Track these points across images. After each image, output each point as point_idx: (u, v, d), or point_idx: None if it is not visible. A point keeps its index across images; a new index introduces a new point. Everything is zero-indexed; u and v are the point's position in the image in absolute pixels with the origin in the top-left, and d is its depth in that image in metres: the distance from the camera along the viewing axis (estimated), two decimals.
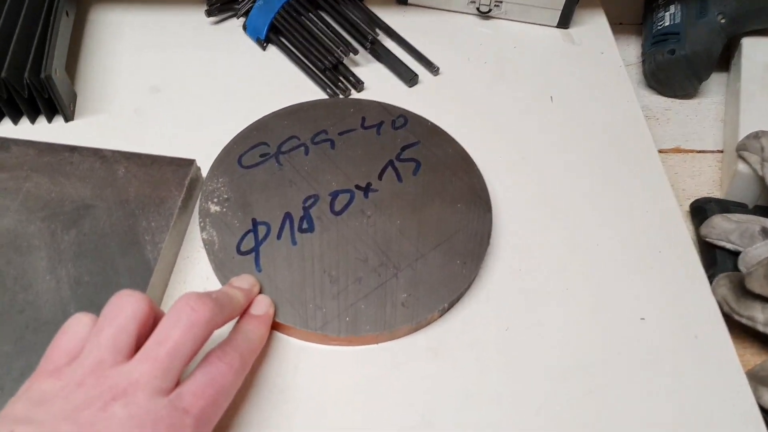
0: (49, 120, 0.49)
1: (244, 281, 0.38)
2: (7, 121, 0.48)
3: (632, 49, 0.64)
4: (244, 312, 0.37)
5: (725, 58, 0.60)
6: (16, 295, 0.37)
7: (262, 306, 0.37)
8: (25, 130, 0.48)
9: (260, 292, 0.39)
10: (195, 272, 0.42)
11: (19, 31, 0.47)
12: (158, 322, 0.31)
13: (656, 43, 0.60)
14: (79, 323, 0.31)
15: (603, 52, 0.58)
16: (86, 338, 0.30)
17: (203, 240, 0.41)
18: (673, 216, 0.47)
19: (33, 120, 0.48)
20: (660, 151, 0.51)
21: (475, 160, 0.46)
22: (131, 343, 0.30)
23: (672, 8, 0.61)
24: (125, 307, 0.30)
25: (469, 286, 0.41)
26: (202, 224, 0.42)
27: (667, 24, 0.60)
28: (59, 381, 0.28)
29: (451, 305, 0.41)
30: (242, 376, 0.33)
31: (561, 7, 0.58)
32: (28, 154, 0.43)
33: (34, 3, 0.49)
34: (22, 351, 0.35)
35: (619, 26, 0.64)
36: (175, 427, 0.28)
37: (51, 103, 0.47)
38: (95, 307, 0.36)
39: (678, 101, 0.60)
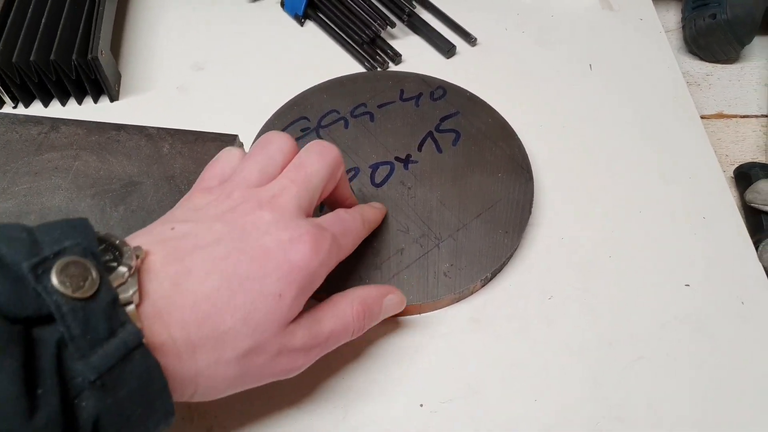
0: (96, 100, 0.48)
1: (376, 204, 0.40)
2: (55, 102, 0.48)
3: (672, 14, 0.61)
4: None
5: (767, 22, 0.57)
6: None
7: (378, 204, 0.39)
8: (73, 110, 0.48)
9: None
10: None
11: (66, 14, 0.46)
12: None
13: (697, 8, 0.57)
14: (229, 154, 0.32)
15: (642, 18, 0.55)
16: (234, 165, 0.31)
17: None
18: (718, 182, 0.44)
19: (80, 101, 0.48)
20: (702, 117, 0.49)
21: (515, 129, 0.44)
22: (276, 171, 0.31)
23: None
24: (274, 141, 0.32)
25: (511, 256, 0.40)
26: None
27: None
28: (211, 195, 0.29)
29: (494, 275, 0.39)
30: (363, 233, 0.35)
31: None
32: (77, 134, 0.43)
33: None
34: None
35: None
36: (315, 234, 0.28)
37: (97, 83, 0.47)
38: None
39: (720, 66, 0.57)
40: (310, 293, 0.29)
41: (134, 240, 0.26)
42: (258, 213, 0.28)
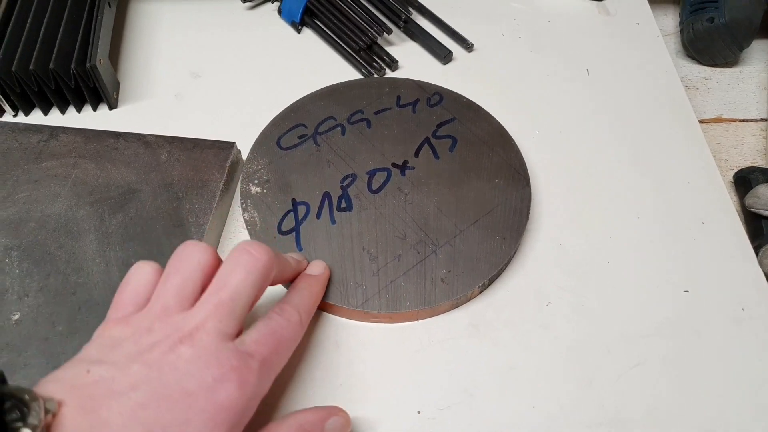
0: (94, 108, 0.48)
1: (295, 255, 0.37)
2: (55, 111, 0.48)
3: (669, 18, 0.61)
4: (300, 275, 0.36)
5: (766, 25, 0.57)
6: (68, 277, 0.37)
7: (318, 267, 0.37)
8: (72, 118, 0.48)
9: None
10: None
11: (65, 23, 0.46)
12: None
13: (694, 12, 0.57)
14: (141, 272, 0.30)
15: (639, 23, 0.55)
16: (150, 286, 0.30)
17: (245, 221, 0.40)
18: (716, 186, 0.44)
19: (79, 109, 0.48)
20: (701, 121, 0.49)
21: (512, 135, 0.44)
22: (197, 291, 0.29)
23: None
24: (191, 256, 0.30)
25: (509, 262, 0.40)
26: (243, 205, 0.41)
27: None
28: (128, 327, 0.28)
29: (492, 281, 0.39)
30: (301, 332, 0.32)
31: None
32: (76, 142, 0.43)
33: None
34: (76, 331, 0.35)
35: None
36: (240, 369, 0.27)
37: (96, 91, 0.47)
38: None
39: (718, 70, 0.56)
40: (240, 429, 0.27)
41: (48, 386, 0.25)
42: (178, 350, 0.26)
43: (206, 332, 0.27)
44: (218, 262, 0.31)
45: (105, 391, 0.25)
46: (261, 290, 0.30)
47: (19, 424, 0.22)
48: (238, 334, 0.29)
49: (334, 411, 0.31)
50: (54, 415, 0.23)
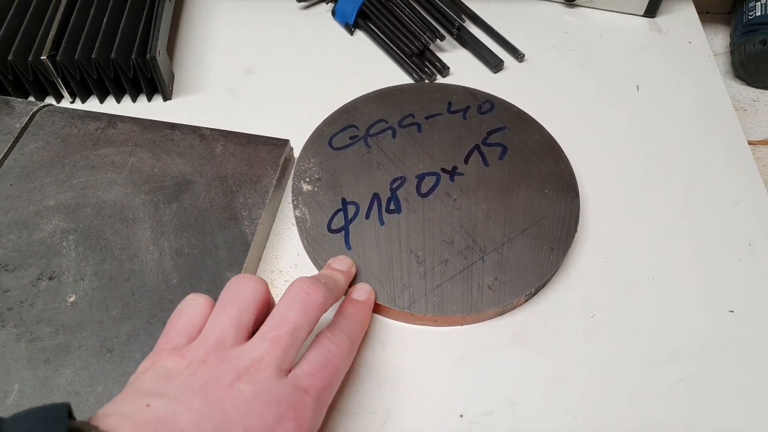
0: (149, 98, 0.49)
1: (342, 263, 0.37)
2: (110, 99, 0.49)
3: (719, 39, 0.60)
4: (347, 296, 0.36)
5: None
6: (122, 263, 0.38)
7: (364, 292, 0.36)
8: (127, 107, 0.49)
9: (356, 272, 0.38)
10: (286, 248, 0.41)
11: (127, 14, 0.47)
12: (272, 307, 0.31)
13: (746, 33, 0.56)
14: (194, 304, 0.31)
15: (691, 41, 0.55)
16: (203, 319, 0.30)
17: (296, 217, 0.41)
18: (764, 208, 0.44)
19: (134, 98, 0.49)
20: (749, 143, 0.48)
21: (561, 147, 0.44)
22: (251, 324, 0.29)
23: None
24: (246, 289, 0.30)
25: (555, 272, 0.40)
26: (294, 202, 0.41)
27: (758, 14, 0.56)
28: (183, 359, 0.28)
29: (538, 290, 0.39)
30: (351, 357, 0.33)
31: None
32: (133, 131, 0.44)
33: None
34: (128, 316, 0.36)
35: (706, 15, 0.60)
36: (297, 406, 0.27)
37: (153, 82, 0.48)
38: (195, 278, 0.37)
39: (767, 92, 0.56)
40: None
41: (109, 421, 0.24)
42: (238, 387, 0.27)
43: (264, 369, 0.27)
44: (270, 296, 0.31)
45: (168, 428, 0.24)
46: (314, 325, 0.31)
47: None
48: (293, 365, 0.29)
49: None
50: None
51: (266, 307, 0.31)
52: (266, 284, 0.31)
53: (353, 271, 0.37)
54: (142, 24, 0.47)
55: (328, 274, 0.35)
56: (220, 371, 0.27)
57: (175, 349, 0.28)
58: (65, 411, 0.23)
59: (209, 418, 0.25)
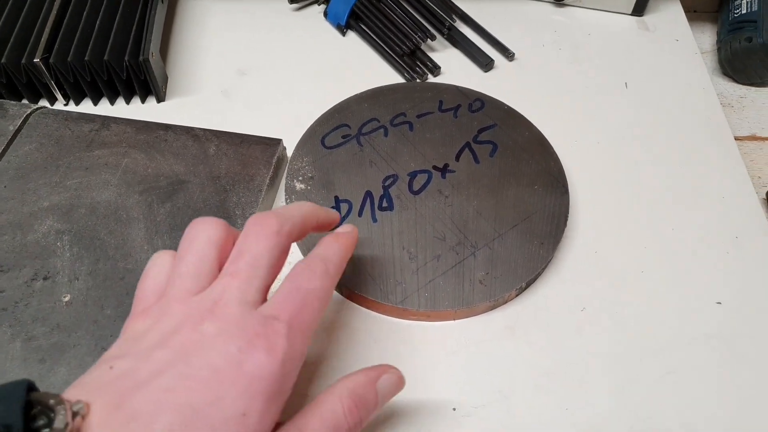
0: (143, 100, 0.49)
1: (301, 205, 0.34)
2: (104, 101, 0.49)
3: (707, 36, 0.61)
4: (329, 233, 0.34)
5: None
6: (117, 263, 0.38)
7: (345, 228, 0.35)
8: (121, 109, 0.49)
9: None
10: None
11: (120, 17, 0.48)
12: None
13: (732, 31, 0.57)
14: (159, 261, 0.29)
15: (678, 39, 0.55)
16: (168, 274, 0.28)
17: None
18: (751, 202, 0.44)
19: (128, 100, 0.49)
20: (735, 138, 0.49)
21: (551, 143, 0.44)
22: (213, 268, 0.28)
23: None
24: (200, 233, 0.29)
25: (545, 267, 0.40)
26: (288, 201, 0.41)
27: (744, 12, 0.57)
28: (149, 318, 0.27)
29: (528, 284, 0.40)
30: (330, 284, 0.30)
31: None
32: (127, 132, 0.44)
33: None
34: (123, 315, 0.35)
35: (693, 14, 0.61)
36: (267, 335, 0.25)
37: (146, 84, 0.48)
38: None
39: (753, 89, 0.56)
40: (283, 398, 0.26)
41: (74, 390, 0.24)
42: (200, 328, 0.25)
43: (226, 304, 0.26)
44: (231, 235, 0.29)
45: (130, 384, 0.24)
46: (281, 255, 0.29)
47: (46, 430, 0.21)
48: (264, 299, 0.28)
49: (385, 369, 0.29)
50: (83, 417, 0.22)
51: (230, 246, 0.29)
52: (224, 223, 0.29)
53: (334, 215, 0.35)
54: (134, 26, 0.47)
55: (282, 210, 0.31)
56: (182, 319, 0.26)
57: (143, 311, 0.27)
58: (24, 385, 0.22)
59: (170, 365, 0.24)
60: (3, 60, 0.45)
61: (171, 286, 0.28)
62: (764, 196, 0.49)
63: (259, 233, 0.28)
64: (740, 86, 0.57)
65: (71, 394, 0.23)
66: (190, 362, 0.24)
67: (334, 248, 0.32)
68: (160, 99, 0.49)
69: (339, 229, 0.34)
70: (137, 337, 0.26)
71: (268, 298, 0.28)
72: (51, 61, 0.45)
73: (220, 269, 0.28)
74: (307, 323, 0.27)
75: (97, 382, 0.24)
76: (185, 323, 0.26)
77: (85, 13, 0.48)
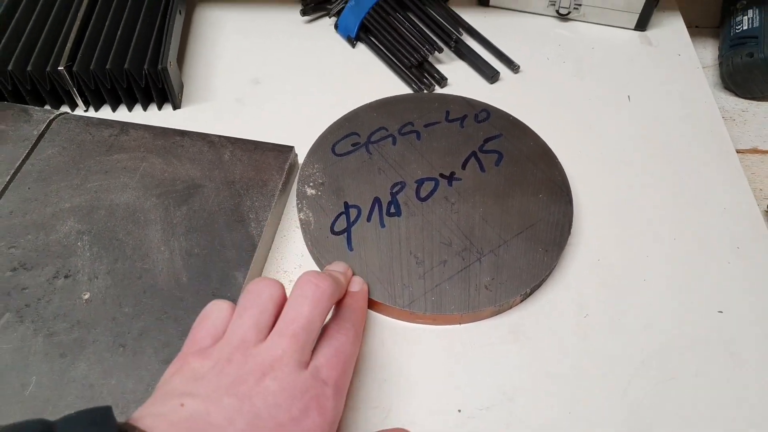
0: (159, 107, 0.51)
1: (339, 266, 0.39)
2: (122, 108, 0.51)
3: (708, 51, 0.62)
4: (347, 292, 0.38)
5: None
6: (134, 263, 0.39)
7: (357, 283, 0.38)
8: (138, 115, 0.50)
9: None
10: (290, 249, 0.43)
11: (140, 27, 0.49)
12: None
13: (734, 46, 0.58)
14: (217, 308, 0.32)
15: (680, 54, 0.56)
16: (226, 322, 0.31)
17: (300, 220, 0.42)
18: (752, 214, 0.45)
19: (145, 107, 0.51)
20: (737, 152, 0.50)
21: (555, 154, 0.46)
22: (270, 323, 0.31)
23: (750, 12, 0.59)
24: (263, 291, 0.32)
25: (550, 273, 0.41)
26: (299, 205, 0.43)
27: (745, 28, 0.58)
28: (209, 360, 0.29)
29: (533, 290, 0.40)
30: (358, 345, 0.34)
31: (639, 10, 0.56)
32: (144, 138, 0.45)
33: (152, 3, 0.51)
34: (140, 313, 0.37)
35: (695, 29, 0.62)
36: (319, 397, 0.29)
37: (163, 92, 0.49)
38: (204, 277, 0.38)
39: (755, 103, 0.57)
40: None
41: (147, 421, 0.26)
42: (264, 383, 0.28)
43: (286, 364, 0.29)
44: (286, 295, 0.33)
45: (203, 425, 0.26)
46: (326, 316, 0.32)
47: None
48: (311, 357, 0.31)
49: None
50: None
51: (283, 304, 0.32)
52: (282, 285, 0.32)
53: (350, 272, 0.39)
54: (154, 35, 0.49)
55: (330, 271, 0.37)
56: (245, 369, 0.28)
57: (201, 351, 0.30)
58: (111, 413, 0.24)
59: (241, 415, 0.27)
60: (29, 68, 0.46)
61: (232, 333, 0.30)
62: (765, 209, 0.50)
63: (315, 296, 0.32)
64: (742, 100, 0.58)
65: (144, 424, 0.25)
66: (258, 414, 0.27)
67: (359, 312, 0.36)
68: (176, 106, 0.51)
69: (353, 286, 0.38)
70: (196, 376, 0.28)
71: None
72: (74, 69, 0.46)
73: (274, 324, 0.31)
74: (345, 386, 0.32)
75: (169, 418, 0.26)
76: (249, 375, 0.28)
77: (106, 23, 0.49)
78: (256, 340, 0.30)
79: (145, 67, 0.47)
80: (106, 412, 0.24)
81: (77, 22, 0.49)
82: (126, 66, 0.46)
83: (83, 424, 0.24)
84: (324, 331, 0.33)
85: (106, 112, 0.50)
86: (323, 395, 0.29)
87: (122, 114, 0.50)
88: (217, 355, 0.29)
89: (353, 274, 0.39)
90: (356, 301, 0.37)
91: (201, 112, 0.51)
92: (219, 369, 0.28)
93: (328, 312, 0.33)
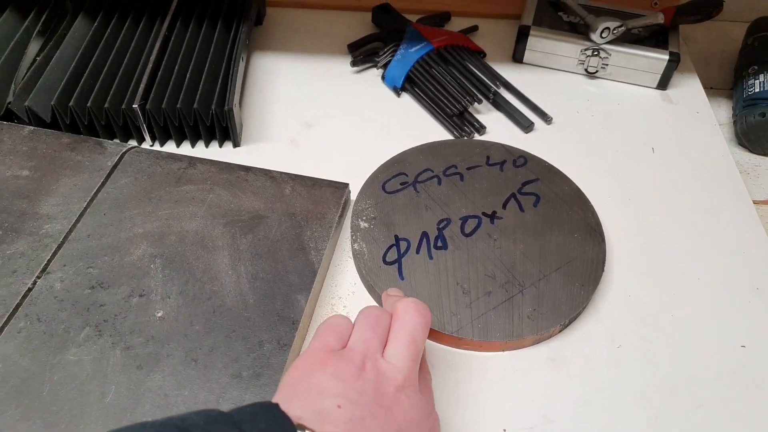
0: (221, 145, 0.54)
1: (398, 291, 0.39)
2: (186, 144, 0.54)
3: (723, 110, 0.66)
4: None
5: None
6: (204, 285, 0.42)
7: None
8: (200, 151, 0.54)
9: None
10: (344, 277, 0.46)
11: (206, 71, 0.53)
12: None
13: (747, 107, 0.62)
14: (341, 319, 0.34)
15: (698, 112, 0.61)
16: (348, 330, 0.33)
17: (354, 250, 0.45)
18: None
19: (207, 144, 0.54)
20: (753, 202, 0.53)
21: (588, 198, 0.49)
22: (384, 338, 0.33)
23: (761, 77, 0.63)
24: (375, 312, 0.34)
25: (585, 307, 0.44)
26: (353, 237, 0.46)
27: (757, 90, 0.62)
28: (347, 364, 0.31)
29: (571, 322, 0.43)
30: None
31: (661, 72, 0.61)
32: (211, 171, 0.49)
33: (218, 49, 0.56)
34: (210, 331, 0.40)
35: (710, 90, 0.66)
36: (435, 422, 0.32)
37: (226, 130, 0.53)
38: (269, 298, 0.41)
39: (767, 159, 0.61)
40: None
41: (309, 417, 0.28)
42: (398, 397, 0.30)
43: (411, 384, 0.31)
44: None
45: (362, 431, 0.28)
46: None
47: None
48: None
49: None
50: None
51: (389, 330, 0.34)
52: (389, 314, 0.34)
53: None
54: (220, 79, 0.53)
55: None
56: (381, 381, 0.31)
57: (334, 353, 0.32)
58: (281, 410, 0.27)
59: (389, 425, 0.29)
60: (106, 105, 0.50)
61: (356, 341, 0.32)
62: None
63: (424, 324, 0.33)
64: (755, 156, 0.62)
65: (309, 420, 0.28)
66: (400, 428, 0.30)
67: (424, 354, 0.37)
68: (237, 144, 0.54)
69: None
70: (343, 378, 0.30)
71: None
72: (147, 107, 0.50)
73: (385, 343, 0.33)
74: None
75: (331, 418, 0.28)
76: (386, 387, 0.30)
77: (176, 66, 0.54)
78: (377, 352, 0.32)
79: (213, 107, 0.51)
80: (276, 408, 0.27)
81: (149, 65, 0.53)
82: (195, 106, 0.50)
83: (265, 420, 0.26)
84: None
85: (170, 147, 0.54)
86: (436, 421, 0.33)
87: (185, 149, 0.54)
88: (360, 362, 0.31)
89: None
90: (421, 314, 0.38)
91: (258, 151, 0.55)
92: (358, 375, 0.30)
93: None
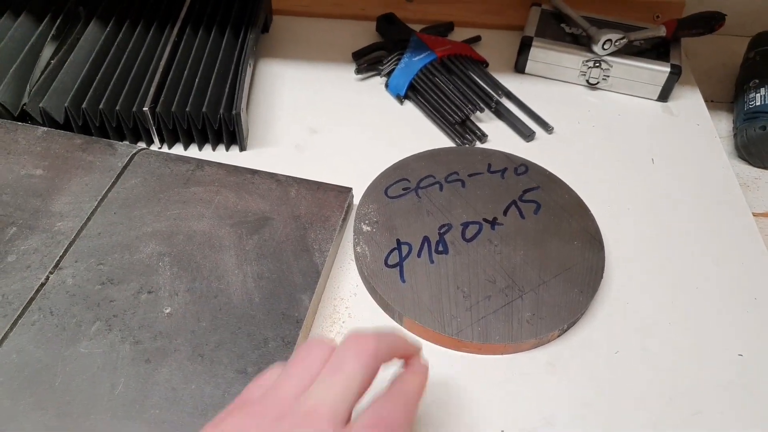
0: (227, 148, 0.56)
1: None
2: (193, 147, 0.56)
3: (723, 123, 0.68)
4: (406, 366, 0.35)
5: None
6: (211, 283, 0.44)
7: (420, 365, 0.35)
8: (207, 154, 0.56)
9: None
10: (346, 279, 0.47)
11: (215, 76, 0.55)
12: None
13: (747, 120, 0.64)
14: (272, 369, 0.33)
15: (699, 124, 0.63)
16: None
17: (356, 253, 0.47)
18: (767, 269, 0.50)
19: (214, 147, 0.56)
20: (753, 214, 0.55)
21: (588, 206, 0.51)
22: (314, 377, 0.31)
23: (762, 90, 0.65)
24: (314, 352, 0.32)
25: (584, 313, 0.45)
26: (356, 240, 0.48)
27: (758, 104, 0.64)
28: (256, 406, 0.30)
29: (569, 327, 0.45)
30: (411, 418, 0.32)
31: (662, 84, 0.63)
32: (219, 174, 0.51)
33: (226, 55, 0.58)
34: (217, 327, 0.41)
35: (711, 103, 0.68)
36: None
37: (233, 134, 0.55)
38: (274, 297, 0.43)
39: (767, 171, 0.63)
40: None
41: None
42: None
43: (320, 418, 0.28)
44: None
45: None
46: (372, 376, 0.31)
47: None
48: (349, 417, 0.30)
49: None
50: None
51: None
52: (333, 345, 0.32)
53: (413, 348, 0.36)
54: (228, 84, 0.55)
55: (379, 335, 0.33)
56: (281, 417, 0.29)
57: (249, 400, 0.31)
58: None
59: None
60: (117, 107, 0.52)
61: (277, 386, 0.31)
62: None
63: (358, 353, 0.31)
64: (755, 168, 0.63)
65: None
66: None
67: (415, 383, 0.33)
68: (243, 148, 0.56)
69: (415, 365, 0.35)
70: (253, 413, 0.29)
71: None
72: (157, 110, 0.52)
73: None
74: None
75: None
76: (284, 421, 0.29)
77: (185, 71, 0.56)
78: (300, 390, 0.30)
79: (221, 111, 0.53)
80: None
81: (159, 70, 0.55)
82: (204, 109, 0.52)
83: None
84: (373, 401, 0.31)
85: (178, 150, 0.56)
86: None
87: (193, 152, 0.56)
88: (259, 405, 0.30)
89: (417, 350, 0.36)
90: (418, 373, 0.34)
91: (264, 155, 0.56)
92: (263, 415, 0.29)
93: (375, 373, 0.31)
